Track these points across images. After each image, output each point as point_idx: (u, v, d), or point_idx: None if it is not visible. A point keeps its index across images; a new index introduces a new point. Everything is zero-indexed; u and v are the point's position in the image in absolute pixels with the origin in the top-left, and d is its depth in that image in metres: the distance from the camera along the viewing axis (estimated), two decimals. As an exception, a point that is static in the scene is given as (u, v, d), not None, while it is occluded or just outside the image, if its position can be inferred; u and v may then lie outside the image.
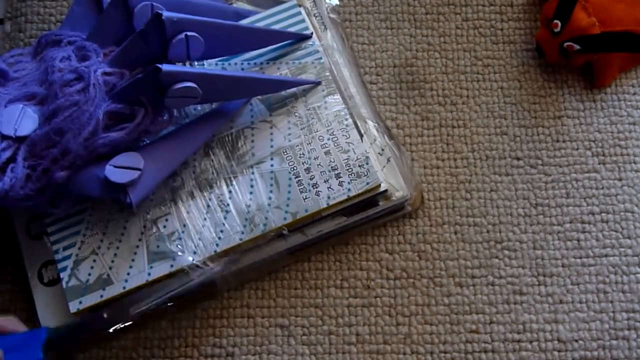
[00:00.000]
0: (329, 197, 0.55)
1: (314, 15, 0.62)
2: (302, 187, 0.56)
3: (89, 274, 0.54)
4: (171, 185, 0.56)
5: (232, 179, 0.56)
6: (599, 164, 0.62)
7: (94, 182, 0.50)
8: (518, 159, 0.63)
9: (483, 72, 0.65)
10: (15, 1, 0.67)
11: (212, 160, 0.56)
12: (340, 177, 0.56)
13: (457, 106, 0.64)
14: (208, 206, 0.55)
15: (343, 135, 0.57)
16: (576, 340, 0.58)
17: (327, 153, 0.56)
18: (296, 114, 0.57)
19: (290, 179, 0.56)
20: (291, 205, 0.55)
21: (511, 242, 0.60)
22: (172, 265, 0.54)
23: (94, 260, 0.54)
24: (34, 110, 0.50)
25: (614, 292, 0.59)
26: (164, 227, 0.55)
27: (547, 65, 0.65)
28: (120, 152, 0.51)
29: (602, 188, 0.62)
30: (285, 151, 0.56)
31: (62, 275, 0.54)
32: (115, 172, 0.50)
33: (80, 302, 0.53)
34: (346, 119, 0.57)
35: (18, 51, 0.56)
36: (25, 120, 0.50)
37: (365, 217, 0.58)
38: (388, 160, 0.58)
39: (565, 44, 0.60)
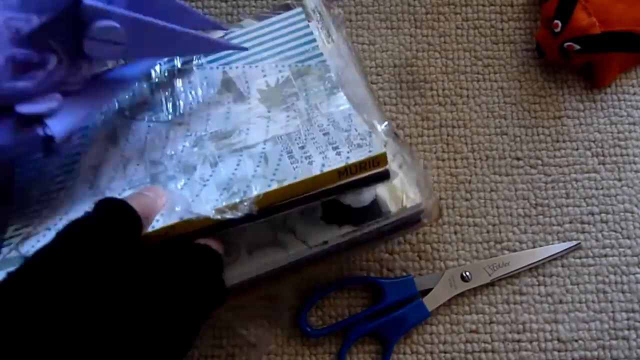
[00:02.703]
0: (323, 165, 0.46)
1: (318, 22, 0.61)
2: (293, 159, 0.47)
3: (33, 246, 0.49)
4: (151, 172, 0.52)
5: (219, 162, 0.50)
6: (599, 164, 0.62)
7: (5, 129, 0.43)
8: (518, 159, 0.63)
9: (483, 72, 0.65)
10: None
11: (200, 149, 0.51)
12: (339, 149, 0.47)
13: (457, 106, 0.64)
14: (185, 184, 0.49)
15: (342, 118, 0.50)
16: (576, 340, 0.58)
17: (325, 134, 0.49)
18: (295, 109, 0.53)
19: (281, 154, 0.48)
20: (278, 174, 0.46)
21: (511, 242, 0.60)
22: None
23: (44, 235, 0.49)
24: None
25: (614, 292, 0.59)
26: None
27: (547, 65, 0.65)
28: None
29: (602, 188, 0.62)
30: (281, 137, 0.50)
31: (3, 249, 0.49)
32: (26, 105, 0.43)
33: None
34: (350, 112, 0.50)
35: None
36: None
37: (375, 228, 0.51)
38: (400, 166, 0.52)
39: (566, 44, 0.60)
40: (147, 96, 0.57)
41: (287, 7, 0.60)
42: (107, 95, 0.51)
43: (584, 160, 0.62)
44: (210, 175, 0.49)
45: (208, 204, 0.46)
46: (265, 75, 0.57)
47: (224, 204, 0.46)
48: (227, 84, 0.56)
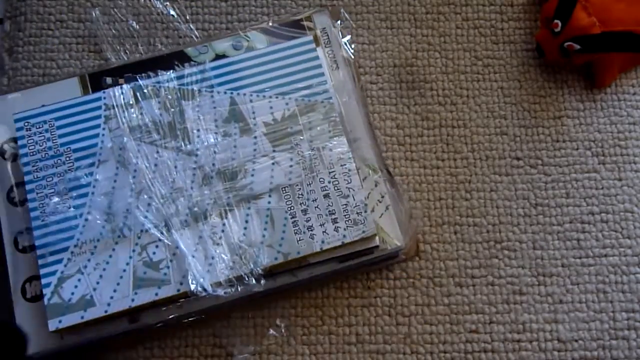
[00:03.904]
0: (322, 242, 0.54)
1: (327, 53, 0.61)
2: (297, 228, 0.55)
3: (72, 293, 0.53)
4: (164, 212, 0.55)
5: (228, 211, 0.55)
6: (599, 164, 0.62)
7: None
8: (518, 159, 0.63)
9: (483, 72, 0.65)
10: (14, 0, 0.67)
11: (209, 191, 0.56)
12: (337, 223, 0.55)
13: (457, 106, 0.64)
14: (200, 237, 0.55)
15: (345, 179, 0.56)
16: (576, 340, 0.58)
17: (326, 196, 0.56)
18: (299, 152, 0.57)
19: (286, 218, 0.55)
20: (284, 246, 0.54)
21: (511, 242, 0.60)
22: (157, 294, 0.53)
23: (79, 280, 0.53)
24: None
25: (614, 292, 0.59)
26: (154, 253, 0.54)
27: (547, 65, 0.65)
28: None
29: (602, 188, 0.62)
30: (285, 189, 0.56)
31: (45, 291, 0.53)
32: None
33: (60, 321, 0.52)
34: (349, 162, 0.56)
35: None
36: None
37: (358, 262, 0.57)
38: (387, 208, 0.57)
39: (566, 43, 0.60)
40: (155, 117, 0.58)
41: (296, 24, 0.61)
42: None
43: (584, 160, 0.62)
44: (222, 231, 0.55)
45: (224, 271, 0.54)
46: (272, 108, 0.58)
47: (231, 275, 0.54)
48: (235, 114, 0.58)
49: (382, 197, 0.58)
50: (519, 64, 0.65)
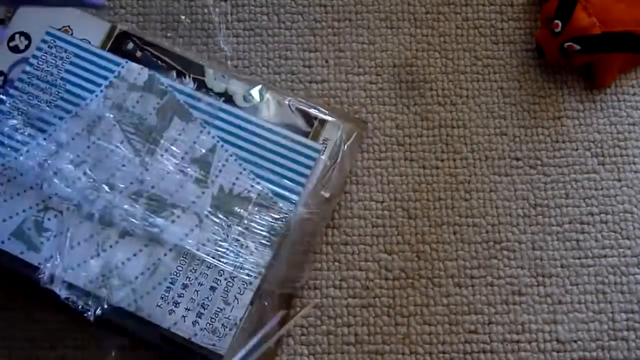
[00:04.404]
0: (175, 324, 0.53)
1: (330, 159, 0.59)
2: (166, 295, 0.54)
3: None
4: (84, 195, 0.55)
5: (127, 235, 0.55)
6: (598, 164, 0.62)
7: None
8: (517, 159, 0.62)
9: (483, 72, 0.65)
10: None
11: (130, 206, 0.55)
12: (200, 318, 0.53)
13: (457, 106, 0.64)
14: (91, 236, 0.55)
15: (238, 288, 0.54)
16: (575, 341, 0.58)
17: (211, 289, 0.54)
18: (226, 233, 0.55)
19: (166, 279, 0.54)
20: (144, 300, 0.54)
21: (510, 242, 0.60)
22: (22, 253, 0.54)
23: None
24: None
25: (613, 292, 0.59)
26: (49, 219, 0.55)
27: (546, 65, 0.65)
28: None
29: (602, 189, 0.62)
30: (186, 255, 0.55)
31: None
32: None
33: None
34: (255, 278, 0.54)
35: None
36: None
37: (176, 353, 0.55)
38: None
39: (566, 44, 0.60)
40: (145, 114, 0.58)
41: (305, 114, 0.59)
42: None
43: (584, 161, 0.62)
44: (110, 247, 0.55)
45: (79, 278, 0.54)
46: (237, 179, 0.57)
47: (84, 287, 0.53)
48: (204, 160, 0.57)
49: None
50: (519, 64, 0.65)
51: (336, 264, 0.59)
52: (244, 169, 0.57)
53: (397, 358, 0.57)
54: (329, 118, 0.59)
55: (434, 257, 0.60)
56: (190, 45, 0.64)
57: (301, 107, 0.59)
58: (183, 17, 0.65)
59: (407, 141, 0.63)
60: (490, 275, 0.59)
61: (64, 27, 0.60)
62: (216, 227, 0.55)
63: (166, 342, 0.55)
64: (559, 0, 0.60)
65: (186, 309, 0.54)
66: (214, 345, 0.53)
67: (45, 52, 0.59)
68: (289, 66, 0.64)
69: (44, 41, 0.59)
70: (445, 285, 0.59)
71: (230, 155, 0.57)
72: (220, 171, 0.57)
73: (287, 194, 0.57)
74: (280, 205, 0.56)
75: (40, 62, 0.58)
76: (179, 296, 0.54)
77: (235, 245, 0.55)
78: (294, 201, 0.56)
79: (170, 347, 0.55)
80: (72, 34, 0.60)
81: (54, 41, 0.59)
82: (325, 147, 0.59)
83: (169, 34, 0.64)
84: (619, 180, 0.62)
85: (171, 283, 0.54)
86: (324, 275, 0.59)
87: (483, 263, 0.60)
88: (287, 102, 0.59)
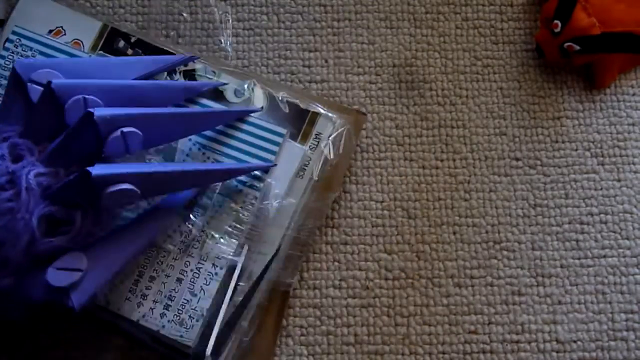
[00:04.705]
0: (143, 316, 0.53)
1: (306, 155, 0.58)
2: (134, 287, 0.54)
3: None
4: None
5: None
6: (598, 164, 0.62)
7: (39, 286, 0.47)
8: (517, 159, 0.62)
9: (483, 72, 0.65)
10: (15, 1, 0.67)
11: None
12: (167, 310, 0.53)
13: (457, 106, 0.64)
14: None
15: (205, 279, 0.54)
16: (575, 341, 0.58)
17: (178, 280, 0.54)
18: (190, 224, 0.55)
19: (133, 272, 0.54)
20: (113, 294, 0.53)
21: (510, 242, 0.60)
22: None
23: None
24: None
25: (613, 293, 0.59)
26: None
27: (546, 65, 0.65)
28: (65, 252, 0.48)
29: (601, 189, 0.62)
30: (152, 246, 0.54)
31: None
32: (56, 275, 0.47)
33: None
34: (220, 268, 0.54)
35: None
36: None
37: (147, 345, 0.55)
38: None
39: (565, 44, 0.60)
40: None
41: (301, 112, 0.58)
42: (140, 238, 0.52)
43: (583, 161, 0.62)
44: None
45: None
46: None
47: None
48: (169, 152, 0.56)
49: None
50: (519, 64, 0.65)
51: (336, 263, 0.59)
52: (207, 158, 0.57)
53: (396, 358, 0.57)
54: (322, 111, 0.59)
55: (434, 257, 0.60)
56: (191, 45, 0.64)
57: (293, 100, 0.59)
58: (185, 14, 0.65)
59: (407, 141, 0.63)
60: (490, 275, 0.59)
61: (57, 27, 0.59)
62: (181, 218, 0.55)
63: (157, 343, 0.54)
64: (559, 1, 0.60)
65: (154, 301, 0.54)
66: (181, 336, 0.53)
67: (12, 52, 0.58)
68: (288, 66, 0.64)
69: (9, 40, 0.58)
70: (445, 285, 0.59)
71: (194, 144, 0.57)
72: (183, 161, 0.57)
73: (251, 181, 0.56)
74: (245, 193, 0.56)
75: (7, 62, 0.58)
76: (147, 289, 0.54)
77: (201, 236, 0.55)
78: (258, 188, 0.56)
79: (162, 348, 0.54)
80: (64, 34, 0.59)
81: (20, 40, 0.58)
82: (319, 141, 0.58)
83: (170, 34, 0.64)
84: (619, 180, 0.62)
85: (139, 276, 0.54)
86: (324, 275, 0.59)
87: (483, 263, 0.60)
88: (279, 97, 0.59)
